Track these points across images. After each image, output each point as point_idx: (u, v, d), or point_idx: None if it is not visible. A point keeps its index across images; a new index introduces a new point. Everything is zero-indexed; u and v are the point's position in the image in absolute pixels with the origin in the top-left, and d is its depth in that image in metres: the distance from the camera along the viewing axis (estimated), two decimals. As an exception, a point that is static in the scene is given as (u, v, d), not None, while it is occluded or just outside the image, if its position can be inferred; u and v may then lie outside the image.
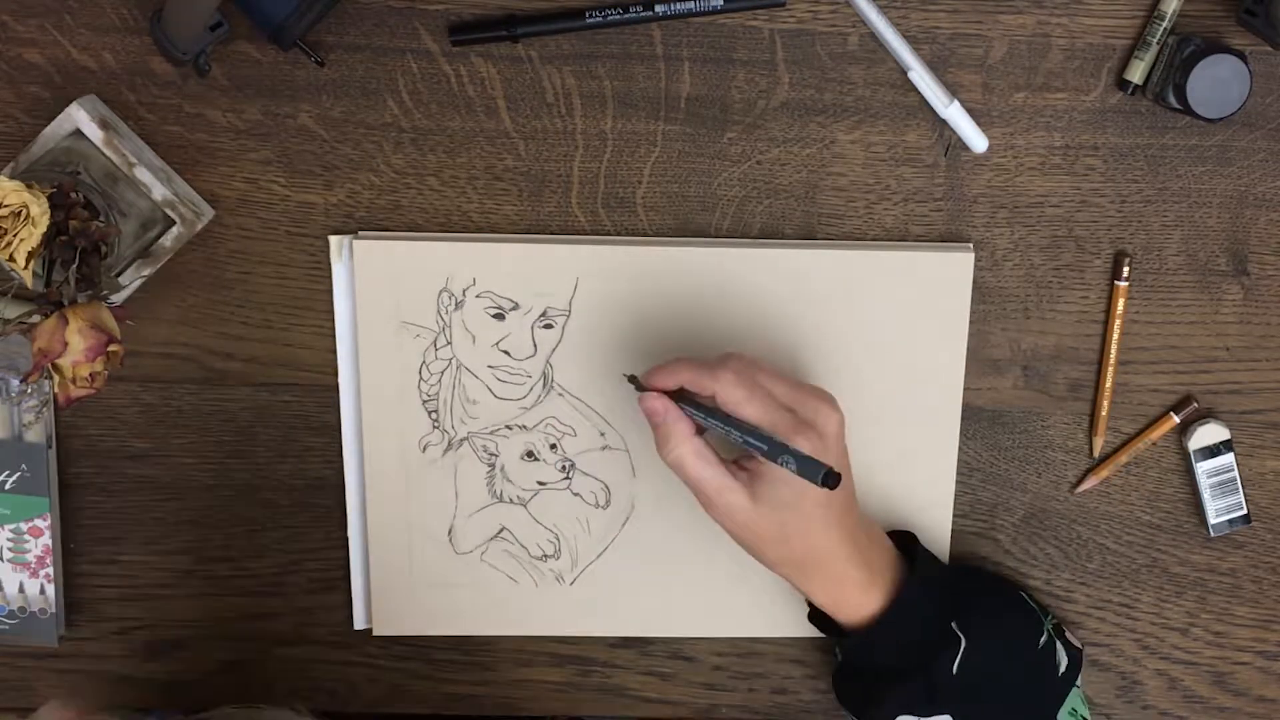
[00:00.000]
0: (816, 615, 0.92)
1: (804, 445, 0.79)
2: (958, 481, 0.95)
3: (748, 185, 0.90)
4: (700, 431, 0.82)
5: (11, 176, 0.77)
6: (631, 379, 0.86)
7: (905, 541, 0.92)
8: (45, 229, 0.76)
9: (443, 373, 0.91)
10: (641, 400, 0.83)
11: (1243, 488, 0.95)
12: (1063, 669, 0.90)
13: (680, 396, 0.82)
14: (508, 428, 0.92)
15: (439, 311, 0.90)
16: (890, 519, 0.94)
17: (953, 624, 0.87)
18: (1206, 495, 0.95)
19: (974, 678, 0.86)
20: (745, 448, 0.80)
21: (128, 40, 0.86)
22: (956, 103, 0.88)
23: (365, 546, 0.94)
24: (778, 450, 0.78)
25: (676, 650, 0.98)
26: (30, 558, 0.93)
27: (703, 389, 0.81)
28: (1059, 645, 0.90)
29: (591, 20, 0.86)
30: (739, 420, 0.80)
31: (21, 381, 0.88)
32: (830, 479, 0.76)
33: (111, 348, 0.80)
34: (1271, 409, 0.95)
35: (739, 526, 0.83)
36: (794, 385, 0.83)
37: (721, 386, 0.80)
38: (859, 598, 0.86)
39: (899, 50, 0.87)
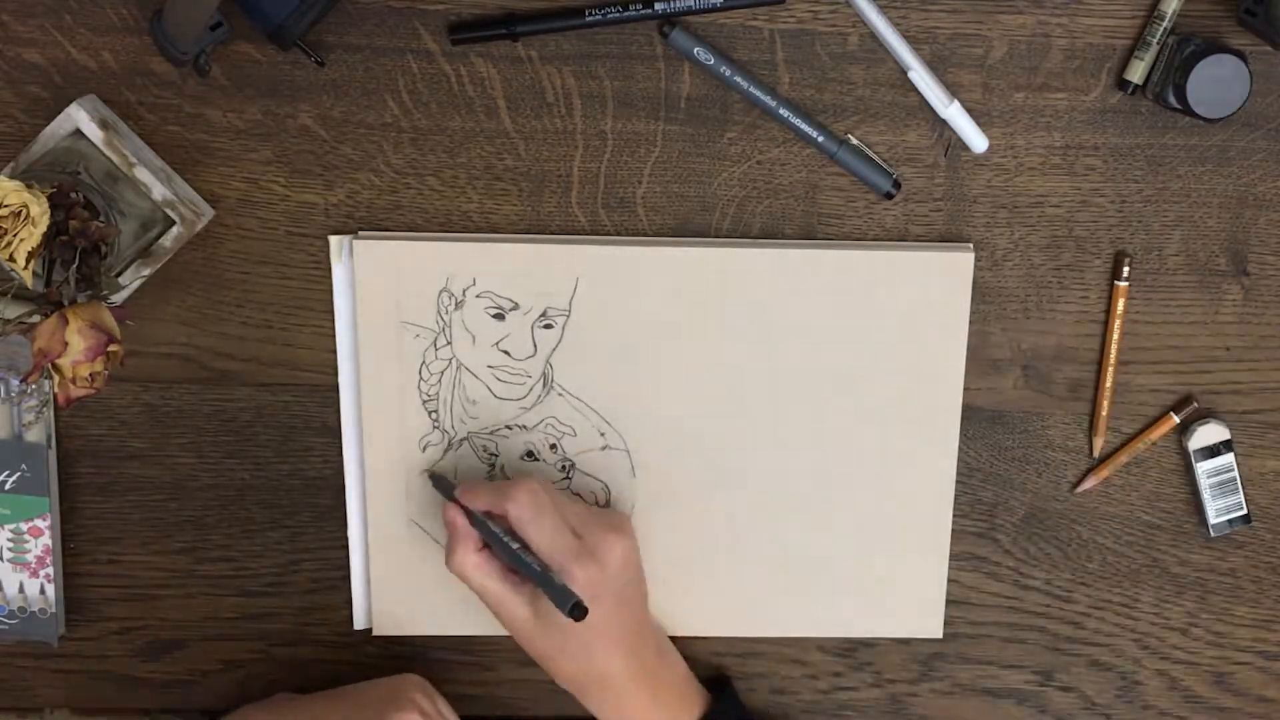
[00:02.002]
0: None
1: (580, 573, 0.83)
2: (958, 481, 0.94)
3: (748, 185, 0.90)
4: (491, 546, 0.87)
5: (11, 176, 0.77)
6: (434, 479, 0.91)
7: (721, 682, 0.95)
8: (45, 229, 0.76)
9: (443, 373, 0.91)
10: (444, 511, 0.88)
11: (1243, 488, 0.95)
12: None
13: (482, 517, 0.87)
14: (508, 428, 0.92)
15: (439, 311, 0.90)
16: (890, 519, 0.94)
17: None
18: (1206, 495, 0.95)
19: None
20: (522, 573, 0.84)
21: (128, 40, 0.86)
22: (956, 103, 0.88)
23: (365, 546, 0.94)
24: (538, 578, 0.83)
25: (676, 650, 0.97)
26: (30, 558, 0.93)
27: (497, 509, 0.85)
28: None
29: (591, 19, 0.86)
30: (520, 541, 0.85)
31: (21, 381, 0.88)
32: (577, 611, 0.80)
33: (111, 348, 0.80)
34: (1271, 409, 0.95)
35: (522, 639, 0.87)
36: (587, 512, 0.88)
37: (513, 506, 0.85)
38: None
39: (899, 50, 0.87)
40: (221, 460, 0.94)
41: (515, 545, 0.85)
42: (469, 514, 0.87)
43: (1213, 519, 0.95)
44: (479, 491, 0.87)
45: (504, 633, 0.96)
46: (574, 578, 0.83)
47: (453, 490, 0.88)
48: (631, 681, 0.88)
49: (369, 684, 0.90)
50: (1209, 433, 0.94)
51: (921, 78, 0.87)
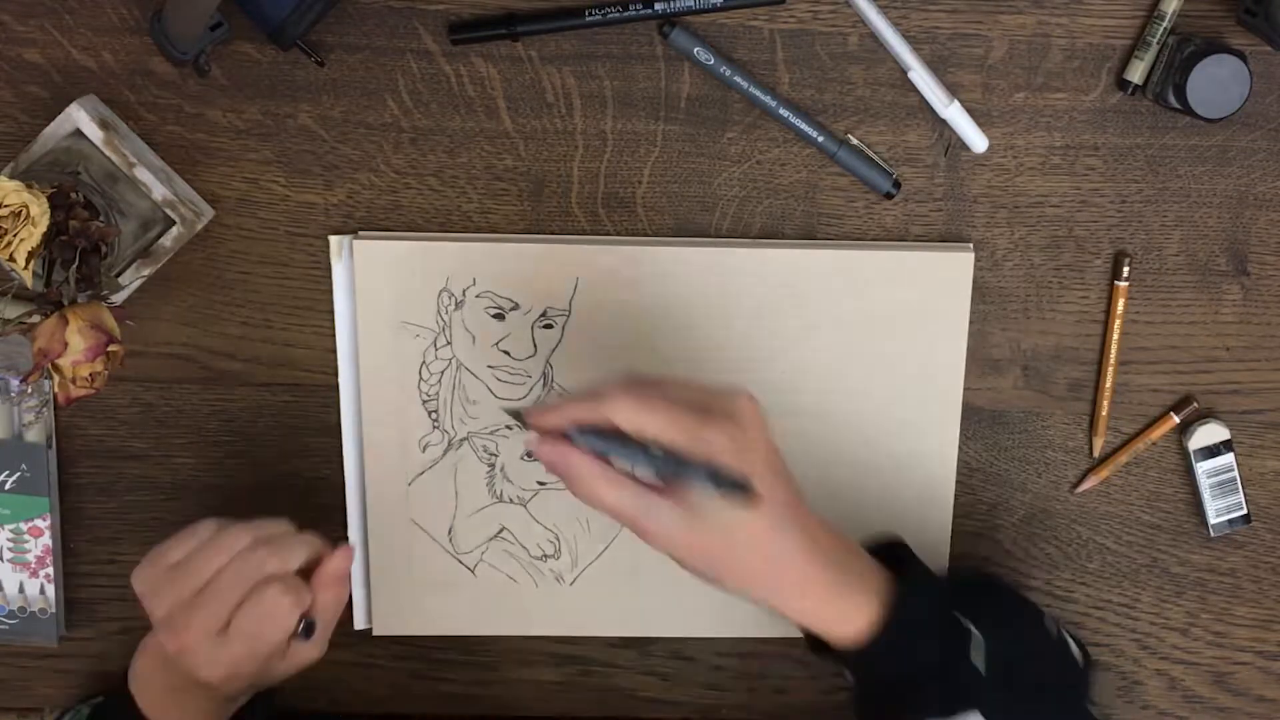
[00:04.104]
0: (813, 640, 0.83)
1: (720, 437, 0.73)
2: (958, 481, 0.94)
3: (748, 185, 0.90)
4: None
5: (11, 176, 0.77)
6: (515, 415, 0.78)
7: (892, 549, 0.86)
8: (45, 229, 0.76)
9: (443, 373, 0.91)
10: (536, 450, 0.75)
11: (1243, 488, 0.95)
12: (1080, 660, 0.84)
13: (582, 431, 0.75)
14: (508, 428, 0.92)
15: (439, 311, 0.90)
16: (890, 519, 0.94)
17: (958, 616, 0.80)
18: (1206, 495, 0.95)
19: (1000, 669, 0.79)
20: (657, 477, 0.73)
21: (128, 40, 0.86)
22: (956, 103, 0.88)
23: (365, 546, 0.94)
24: (685, 468, 0.72)
25: (676, 650, 0.98)
26: (30, 558, 0.93)
27: (599, 419, 0.74)
28: (1069, 638, 0.85)
29: (591, 19, 0.86)
30: (641, 444, 0.73)
31: (21, 381, 0.88)
32: (746, 491, 0.71)
33: (111, 348, 0.80)
34: (1271, 409, 0.95)
35: (683, 550, 0.75)
36: (703, 387, 0.76)
37: (615, 410, 0.73)
38: (845, 610, 0.79)
39: (899, 50, 0.87)
40: (221, 460, 0.94)
41: (637, 451, 0.73)
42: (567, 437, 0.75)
43: (1213, 519, 0.95)
44: (563, 410, 0.75)
45: (504, 633, 0.96)
46: (716, 444, 0.72)
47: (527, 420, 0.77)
48: (810, 560, 0.77)
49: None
50: (1209, 433, 0.94)
51: (921, 78, 0.87)
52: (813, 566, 0.78)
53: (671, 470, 0.72)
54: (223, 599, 0.79)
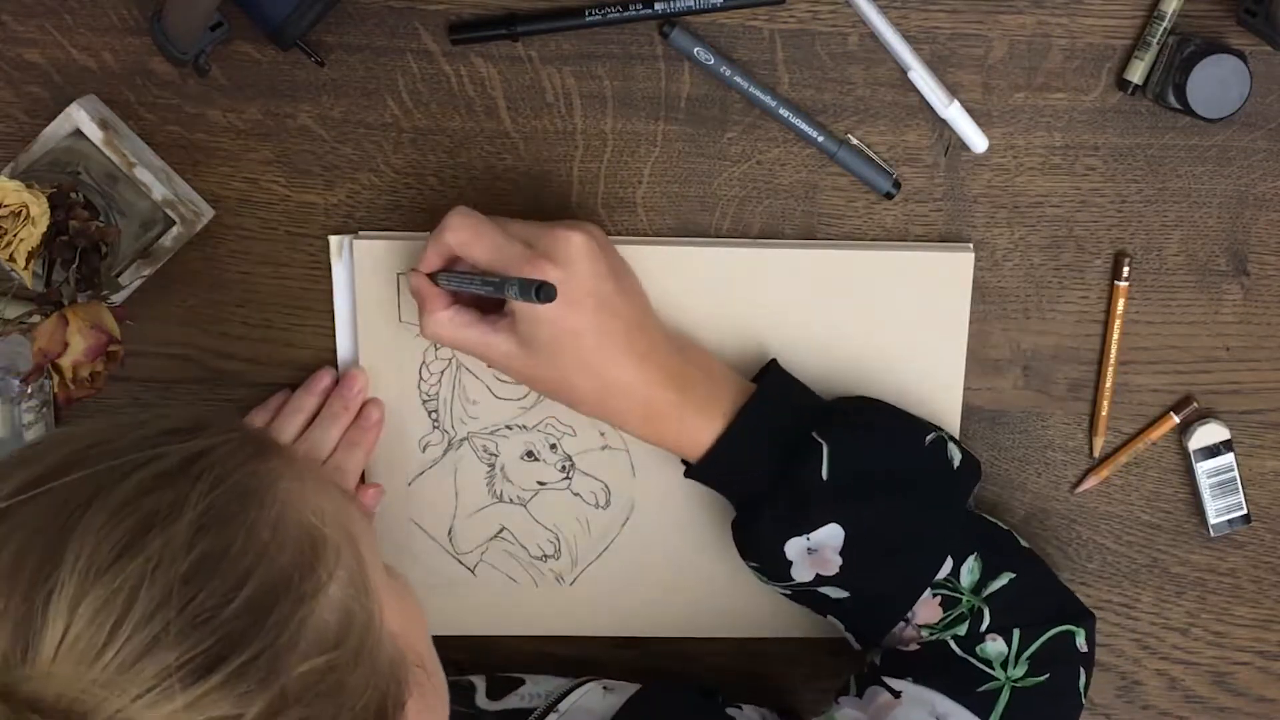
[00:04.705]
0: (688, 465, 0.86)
1: (538, 276, 0.77)
2: (958, 481, 0.94)
3: (748, 185, 0.90)
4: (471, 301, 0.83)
5: (11, 176, 0.77)
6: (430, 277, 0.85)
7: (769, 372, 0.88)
8: (45, 229, 0.76)
9: (443, 372, 0.91)
10: (409, 282, 0.83)
11: (1243, 488, 0.95)
12: (957, 463, 0.85)
13: (448, 278, 0.82)
14: (508, 428, 0.92)
15: (439, 311, 0.90)
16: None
17: (813, 433, 0.82)
18: (1206, 495, 0.95)
19: (851, 479, 0.81)
20: (490, 295, 0.79)
21: (128, 40, 0.86)
22: (956, 103, 0.88)
23: (365, 546, 0.94)
24: (501, 286, 0.76)
25: (676, 650, 0.98)
26: (30, 558, 0.93)
27: (440, 249, 0.81)
28: (951, 444, 0.86)
29: (591, 19, 0.86)
30: (474, 269, 0.80)
31: (22, 381, 0.88)
32: (544, 292, 0.73)
33: (111, 348, 0.80)
34: (1271, 409, 0.95)
35: (525, 376, 0.82)
36: (535, 224, 0.81)
37: (449, 235, 0.80)
38: (690, 425, 0.83)
39: (899, 50, 0.87)
40: (221, 460, 0.93)
41: (471, 275, 0.79)
42: (434, 279, 0.83)
43: (1213, 519, 0.95)
44: (425, 249, 0.82)
45: (505, 633, 0.96)
46: (532, 268, 0.78)
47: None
48: (651, 385, 0.82)
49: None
50: (1209, 433, 0.94)
51: (921, 78, 0.87)
52: (657, 390, 0.82)
53: (494, 286, 0.77)
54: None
